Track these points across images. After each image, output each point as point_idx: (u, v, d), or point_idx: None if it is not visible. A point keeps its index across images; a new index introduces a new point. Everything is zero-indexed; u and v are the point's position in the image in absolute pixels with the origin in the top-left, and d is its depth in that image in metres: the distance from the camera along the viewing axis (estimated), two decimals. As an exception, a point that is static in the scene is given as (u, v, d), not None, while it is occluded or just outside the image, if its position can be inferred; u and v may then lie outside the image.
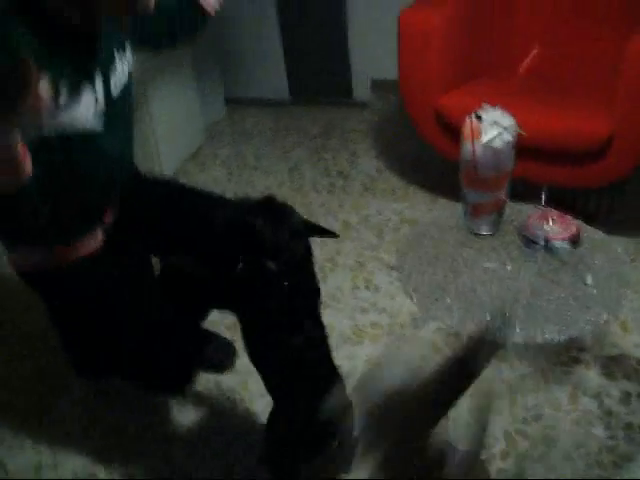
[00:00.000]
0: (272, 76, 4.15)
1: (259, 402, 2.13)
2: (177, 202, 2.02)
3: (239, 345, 2.32)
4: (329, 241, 2.84)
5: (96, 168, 1.73)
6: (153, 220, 1.98)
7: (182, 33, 2.04)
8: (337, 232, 2.85)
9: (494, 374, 1.84)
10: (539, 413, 1.99)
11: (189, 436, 2.07)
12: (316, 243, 2.79)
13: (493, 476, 1.82)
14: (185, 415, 2.13)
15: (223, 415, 2.12)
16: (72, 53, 1.61)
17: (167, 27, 1.99)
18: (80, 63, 1.63)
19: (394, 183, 3.23)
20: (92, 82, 1.64)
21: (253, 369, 2.18)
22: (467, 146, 1.74)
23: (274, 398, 1.84)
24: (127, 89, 1.79)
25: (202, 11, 2.01)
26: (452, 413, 1.94)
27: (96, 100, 1.64)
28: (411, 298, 1.71)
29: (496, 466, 1.84)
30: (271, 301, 1.73)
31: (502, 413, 1.99)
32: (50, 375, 2.34)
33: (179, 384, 1.92)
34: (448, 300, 1.67)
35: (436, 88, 2.75)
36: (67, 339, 2.04)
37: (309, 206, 3.13)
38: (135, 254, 1.97)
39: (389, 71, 3.76)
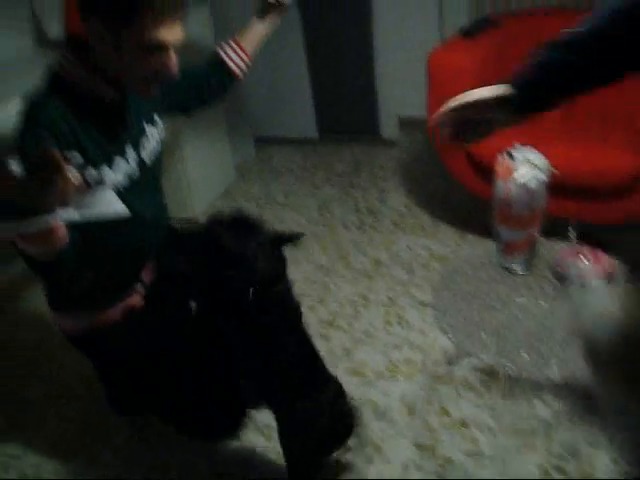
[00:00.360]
0: (300, 115, 4.21)
1: (294, 438, 2.15)
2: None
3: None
4: (360, 277, 2.88)
5: (131, 235, 1.81)
6: (189, 269, 2.03)
7: (211, 97, 2.13)
8: (368, 269, 2.90)
9: (528, 411, 1.85)
10: (575, 449, 1.99)
11: (226, 472, 2.09)
12: (347, 280, 2.85)
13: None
14: (223, 450, 2.15)
15: (256, 451, 2.14)
16: (105, 128, 1.71)
17: (195, 93, 2.08)
18: (112, 136, 1.73)
19: (423, 220, 3.25)
20: (124, 154, 1.74)
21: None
22: (500, 184, 1.76)
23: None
24: (158, 156, 1.89)
25: (230, 74, 2.10)
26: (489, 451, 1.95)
27: (129, 169, 1.76)
28: (446, 334, 1.73)
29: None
30: (241, 316, 1.74)
31: (537, 449, 1.99)
32: (89, 414, 2.37)
33: (232, 428, 1.93)
34: (483, 336, 1.69)
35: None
36: (110, 387, 2.09)
37: (339, 243, 3.17)
38: (175, 304, 2.01)
39: (416, 108, 3.81)
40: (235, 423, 1.91)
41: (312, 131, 4.24)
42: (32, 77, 1.78)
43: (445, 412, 2.17)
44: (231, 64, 2.09)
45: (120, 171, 1.74)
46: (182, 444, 2.18)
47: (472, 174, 2.85)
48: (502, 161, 1.77)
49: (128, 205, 1.71)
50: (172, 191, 3.35)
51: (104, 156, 1.70)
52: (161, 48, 1.59)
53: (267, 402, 1.86)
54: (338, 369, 2.40)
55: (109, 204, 1.27)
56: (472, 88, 2.73)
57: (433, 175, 3.62)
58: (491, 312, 1.77)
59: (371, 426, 2.15)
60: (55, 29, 3.02)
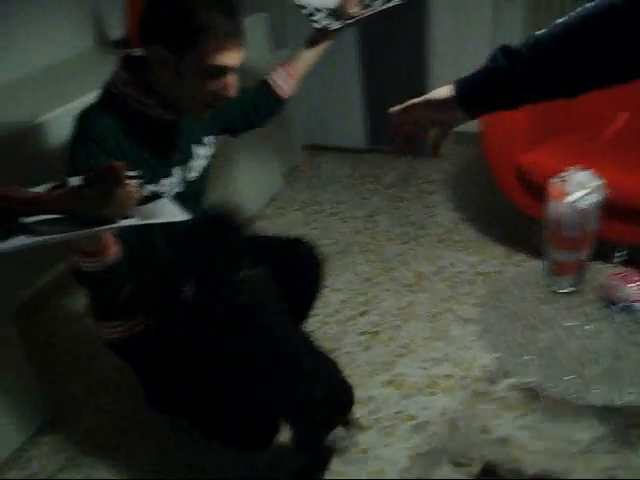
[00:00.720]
0: (350, 124, 4.21)
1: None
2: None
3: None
4: (403, 291, 2.87)
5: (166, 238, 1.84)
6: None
7: (258, 121, 2.21)
8: (411, 283, 2.90)
9: (569, 434, 1.83)
10: (614, 475, 1.96)
11: (258, 478, 2.10)
12: (391, 293, 2.85)
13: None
14: (255, 456, 2.16)
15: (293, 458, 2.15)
16: (154, 149, 1.77)
17: (244, 117, 2.15)
18: (161, 158, 1.79)
19: (469, 236, 3.24)
20: (170, 176, 1.81)
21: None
22: (552, 205, 1.75)
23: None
24: (205, 170, 1.96)
25: (277, 97, 2.18)
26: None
27: (173, 187, 1.83)
28: (489, 352, 1.73)
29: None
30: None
31: (575, 473, 1.97)
32: (125, 410, 2.40)
33: (269, 435, 1.93)
34: (526, 357, 1.67)
35: (519, 145, 2.77)
36: (149, 389, 2.12)
37: (384, 255, 3.17)
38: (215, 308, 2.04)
39: (468, 123, 3.79)
40: (271, 433, 1.91)
41: (361, 141, 4.24)
42: (92, 77, 1.83)
43: (485, 430, 2.15)
44: (278, 90, 2.17)
45: (164, 190, 1.81)
46: (213, 447, 2.19)
47: (521, 192, 2.83)
48: (555, 182, 1.76)
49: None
50: (220, 197, 3.38)
51: (151, 177, 1.76)
52: (222, 72, 1.66)
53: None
54: (377, 381, 2.40)
55: (169, 213, 1.33)
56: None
57: (481, 191, 3.61)
58: (535, 333, 1.75)
59: (409, 440, 2.15)
60: (116, 31, 3.08)
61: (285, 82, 2.19)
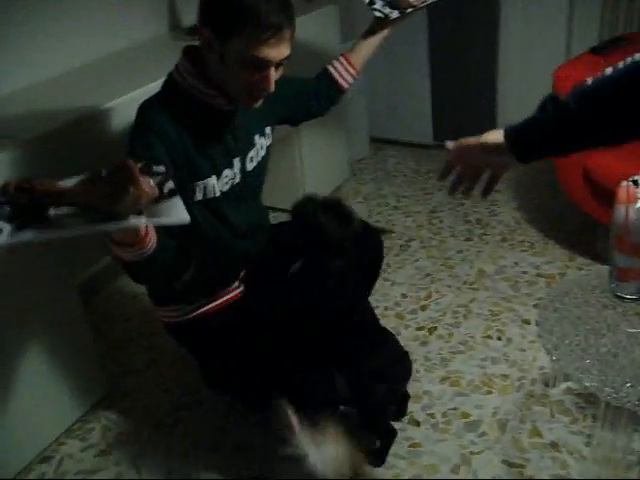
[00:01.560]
0: (417, 119, 4.20)
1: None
2: None
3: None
4: (464, 288, 2.86)
5: (229, 239, 1.93)
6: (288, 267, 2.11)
7: (318, 110, 2.22)
8: (472, 281, 2.89)
9: (625, 443, 1.81)
10: (670, 486, 1.94)
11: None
12: (451, 289, 2.84)
13: None
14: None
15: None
16: (216, 139, 1.80)
17: (305, 107, 2.16)
18: (222, 149, 1.82)
19: (532, 236, 3.21)
20: (232, 166, 1.84)
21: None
22: (620, 210, 1.73)
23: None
24: (263, 160, 1.97)
25: (338, 87, 2.19)
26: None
27: (234, 179, 1.86)
28: (549, 354, 1.72)
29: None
30: (335, 300, 1.84)
31: (630, 482, 1.95)
32: (183, 389, 2.45)
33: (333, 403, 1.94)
34: (587, 361, 1.66)
35: (588, 148, 2.73)
36: (205, 367, 2.16)
37: (446, 251, 3.17)
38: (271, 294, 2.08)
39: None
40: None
41: (428, 137, 4.23)
42: (162, 65, 1.86)
43: (537, 433, 2.15)
44: (339, 79, 2.17)
45: (225, 181, 1.84)
46: (269, 432, 2.23)
47: (588, 194, 2.80)
48: (625, 186, 1.74)
49: (223, 211, 1.86)
50: (286, 184, 3.42)
51: (213, 168, 1.80)
52: (262, 65, 1.64)
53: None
54: (433, 376, 2.41)
55: (176, 212, 1.32)
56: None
57: (546, 191, 3.57)
58: (597, 338, 1.74)
59: (461, 437, 2.15)
60: (190, 18, 3.12)
61: (346, 72, 2.18)
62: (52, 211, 1.27)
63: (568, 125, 1.30)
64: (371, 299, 2.79)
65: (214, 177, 1.80)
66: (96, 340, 2.38)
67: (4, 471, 2.08)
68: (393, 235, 3.30)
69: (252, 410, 2.24)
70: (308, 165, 3.42)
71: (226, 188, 1.84)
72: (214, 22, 1.63)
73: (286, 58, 1.68)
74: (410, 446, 2.14)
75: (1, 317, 1.98)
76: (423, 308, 2.78)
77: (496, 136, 1.47)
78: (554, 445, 2.10)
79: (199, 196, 1.79)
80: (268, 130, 1.99)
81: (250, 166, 1.92)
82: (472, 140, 1.52)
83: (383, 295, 2.87)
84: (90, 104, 2.16)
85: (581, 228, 3.17)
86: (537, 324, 1.84)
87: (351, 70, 2.19)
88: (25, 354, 2.06)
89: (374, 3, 2.17)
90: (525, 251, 3.08)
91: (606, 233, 1.80)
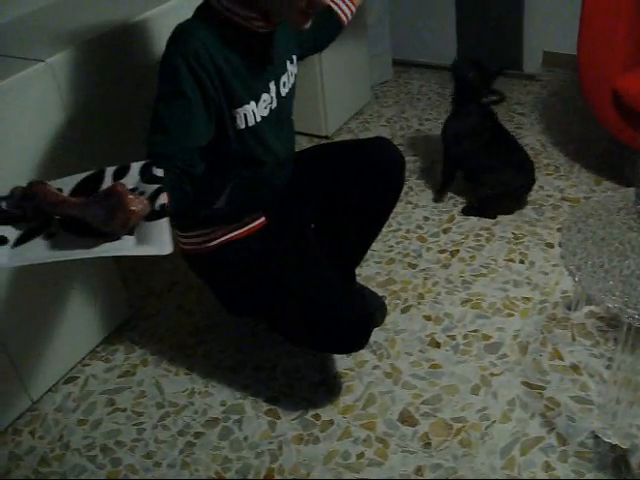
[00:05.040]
0: (442, 42, 4.10)
1: (404, 359, 2.19)
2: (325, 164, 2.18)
3: (389, 302, 2.38)
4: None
5: (266, 167, 1.93)
6: (309, 193, 2.15)
7: (322, 45, 2.23)
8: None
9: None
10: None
11: (332, 383, 2.15)
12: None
13: (635, 468, 1.79)
14: (330, 363, 2.21)
15: (366, 367, 2.18)
16: (252, 63, 1.77)
17: (312, 41, 2.11)
18: (259, 72, 1.80)
19: (558, 160, 3.16)
20: (268, 90, 1.83)
21: (401, 327, 2.27)
22: (649, 130, 1.70)
23: None
24: (293, 87, 1.96)
25: (339, 22, 2.19)
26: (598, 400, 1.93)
27: (272, 104, 1.85)
28: (572, 276, 1.70)
29: (639, 458, 1.81)
30: None
31: (650, 404, 1.96)
32: (205, 311, 2.47)
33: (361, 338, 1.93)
34: (611, 283, 1.65)
35: (617, 68, 2.66)
36: (223, 296, 2.18)
37: (469, 174, 3.12)
38: (295, 225, 2.14)
39: (562, 44, 3.67)
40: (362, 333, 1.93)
41: (452, 58, 4.13)
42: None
43: (558, 355, 2.15)
44: (341, 14, 2.17)
45: (264, 106, 1.82)
46: (290, 350, 2.26)
47: (618, 117, 2.73)
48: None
49: (265, 138, 1.86)
50: (308, 108, 3.39)
51: (251, 93, 1.77)
52: None
53: None
54: (454, 299, 2.41)
55: (159, 239, 1.33)
56: (628, 26, 2.63)
57: (573, 114, 3.50)
58: (621, 259, 1.72)
59: (482, 359, 2.16)
60: None
61: (346, 7, 2.19)
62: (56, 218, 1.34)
63: None
64: (393, 221, 2.81)
65: (253, 103, 1.78)
66: (119, 263, 2.39)
67: (33, 391, 2.12)
68: (415, 159, 3.26)
69: (280, 331, 2.26)
70: (329, 88, 3.37)
71: (265, 113, 1.83)
72: None
73: None
74: (430, 367, 2.15)
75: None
76: (445, 231, 2.76)
77: None
78: (574, 368, 2.10)
79: (241, 124, 1.78)
80: (295, 58, 1.96)
81: (284, 91, 1.90)
82: None
83: (405, 218, 2.85)
84: (122, 16, 2.14)
85: (609, 152, 3.12)
86: (560, 245, 1.82)
87: (351, 6, 2.19)
88: (50, 278, 2.07)
89: None
90: (550, 174, 3.03)
91: (634, 156, 1.76)
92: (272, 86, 1.84)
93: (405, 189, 3.03)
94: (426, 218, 2.85)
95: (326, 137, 3.47)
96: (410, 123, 3.63)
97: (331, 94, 3.40)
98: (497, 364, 2.14)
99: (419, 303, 2.40)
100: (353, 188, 2.08)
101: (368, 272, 2.56)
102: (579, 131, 3.35)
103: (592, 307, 2.27)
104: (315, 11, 1.69)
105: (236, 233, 1.98)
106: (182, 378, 2.22)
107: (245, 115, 1.77)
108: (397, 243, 2.71)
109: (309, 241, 2.18)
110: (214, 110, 1.69)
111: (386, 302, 2.36)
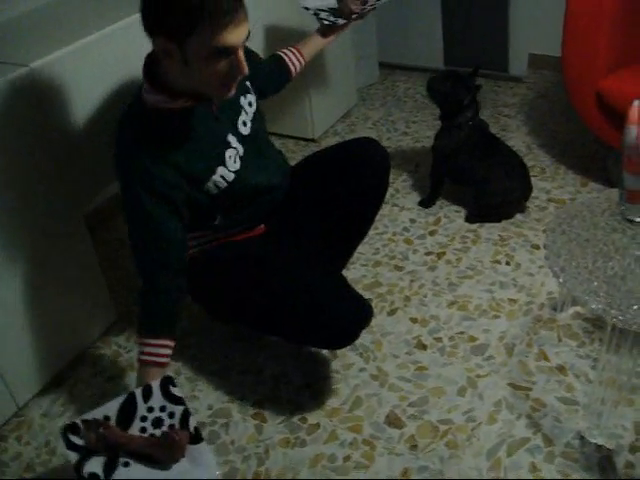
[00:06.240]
0: (428, 44, 4.11)
1: (390, 362, 2.19)
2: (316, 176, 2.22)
3: (375, 305, 2.38)
4: (473, 213, 2.84)
5: (256, 189, 1.97)
6: (304, 200, 2.18)
7: (271, 91, 2.27)
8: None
9: (631, 367, 1.81)
10: (674, 409, 1.95)
11: (318, 386, 2.15)
12: (460, 215, 2.83)
13: (620, 468, 1.80)
14: (317, 366, 2.21)
15: (352, 369, 2.18)
16: (201, 138, 1.79)
17: (258, 87, 2.08)
18: (212, 139, 1.83)
19: (543, 161, 3.17)
20: (229, 145, 1.85)
21: (387, 330, 2.28)
22: (631, 131, 1.70)
23: None
24: (255, 114, 1.97)
25: (289, 74, 2.32)
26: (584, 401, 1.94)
27: (238, 152, 1.88)
28: (557, 277, 1.71)
29: (624, 458, 1.82)
30: None
31: (635, 406, 1.96)
32: (191, 315, 2.46)
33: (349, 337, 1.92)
34: (595, 284, 1.65)
35: (600, 70, 2.67)
36: (211, 303, 2.19)
37: (455, 177, 3.13)
38: (292, 232, 2.19)
39: (548, 46, 3.70)
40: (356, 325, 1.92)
41: (439, 61, 4.15)
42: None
43: (544, 356, 2.15)
44: (291, 65, 2.28)
45: (232, 161, 1.85)
46: (276, 354, 2.27)
47: (600, 118, 2.74)
48: (636, 106, 1.70)
49: (249, 179, 1.91)
50: (295, 110, 3.39)
51: (215, 161, 1.81)
52: (227, 52, 1.59)
53: None
54: (441, 300, 2.41)
55: (206, 461, 1.64)
56: (610, 28, 2.64)
57: (559, 116, 3.52)
58: (605, 260, 1.73)
59: (468, 361, 2.17)
60: None
61: (297, 61, 2.31)
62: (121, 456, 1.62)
63: None
64: (379, 224, 2.81)
65: (220, 168, 1.82)
66: (105, 268, 2.38)
67: (19, 396, 2.11)
68: (402, 161, 3.27)
69: (261, 334, 2.26)
70: (316, 91, 3.37)
71: (237, 166, 1.86)
72: (167, 28, 1.55)
73: (247, 37, 1.63)
74: (416, 369, 2.16)
75: (17, 250, 2.00)
76: (432, 233, 2.77)
77: None
78: (561, 368, 2.10)
79: (215, 190, 1.84)
80: (248, 84, 1.97)
81: (245, 130, 1.91)
82: None
83: (392, 220, 2.86)
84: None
85: (594, 154, 3.13)
86: (545, 246, 1.82)
87: (301, 60, 2.32)
88: (35, 283, 2.07)
89: (318, 14, 2.35)
90: (536, 176, 3.04)
91: (619, 158, 1.77)
92: (231, 138, 1.85)
93: (391, 191, 3.03)
94: (412, 220, 2.86)
95: (313, 140, 3.47)
96: (397, 126, 3.64)
97: (318, 97, 3.40)
98: (483, 365, 2.14)
99: (405, 305, 2.41)
100: (340, 189, 2.11)
101: (355, 275, 2.57)
102: (565, 133, 3.37)
103: (578, 308, 2.28)
104: (237, 81, 1.69)
105: (235, 238, 2.04)
106: (169, 382, 2.22)
107: (215, 182, 1.82)
108: (383, 246, 2.72)
109: (306, 247, 2.18)
110: (183, 205, 1.78)
111: (372, 305, 2.36)
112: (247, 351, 2.29)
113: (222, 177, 1.82)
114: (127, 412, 1.74)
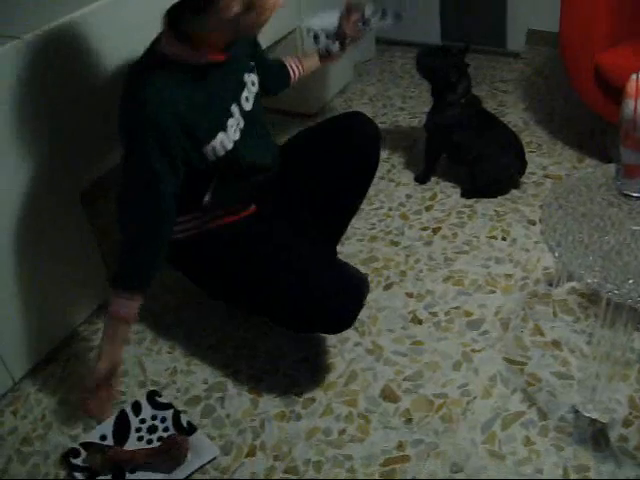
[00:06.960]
0: (425, 19, 4.08)
1: (385, 336, 2.19)
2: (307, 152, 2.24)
3: (371, 280, 2.38)
4: (469, 189, 2.84)
5: (249, 167, 1.98)
6: (295, 178, 2.19)
7: (270, 89, 2.24)
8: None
9: (625, 341, 1.82)
10: (668, 384, 1.96)
11: (314, 360, 2.15)
12: (456, 190, 2.83)
13: (613, 442, 1.81)
14: (312, 340, 2.22)
15: (348, 344, 2.19)
16: (210, 98, 1.78)
17: (269, 81, 2.16)
18: (218, 104, 1.82)
19: (541, 137, 3.16)
20: (232, 115, 1.86)
21: (383, 304, 2.27)
22: (629, 105, 1.69)
23: None
24: (257, 97, 1.98)
25: (289, 80, 2.34)
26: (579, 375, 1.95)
27: (239, 124, 1.88)
28: (552, 251, 1.70)
29: (617, 432, 1.83)
30: None
31: (629, 380, 1.96)
32: (186, 290, 2.45)
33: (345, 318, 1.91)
34: (590, 259, 1.65)
35: (598, 44, 2.66)
36: (206, 284, 2.17)
37: (452, 152, 3.12)
38: (285, 210, 2.18)
39: (546, 22, 3.67)
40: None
41: (435, 37, 4.12)
42: None
43: (539, 331, 2.16)
44: (291, 71, 2.31)
45: (233, 130, 1.85)
46: (271, 329, 2.27)
47: (598, 93, 2.73)
48: (634, 80, 1.69)
49: (245, 155, 1.92)
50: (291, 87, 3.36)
51: (218, 125, 1.80)
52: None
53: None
54: (436, 276, 2.41)
55: (205, 446, 1.88)
56: (608, 2, 2.61)
57: (556, 92, 3.51)
58: (601, 235, 1.72)
59: (463, 335, 2.17)
60: None
61: (297, 70, 2.34)
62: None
63: None
64: (375, 200, 2.81)
65: (221, 134, 1.81)
66: (100, 245, 2.37)
67: (15, 371, 2.11)
68: (398, 137, 3.26)
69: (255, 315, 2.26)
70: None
71: (236, 136, 1.86)
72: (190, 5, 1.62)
73: None
74: (412, 344, 2.16)
75: (15, 227, 1.99)
76: (428, 209, 2.76)
77: None
78: (556, 343, 2.11)
79: (213, 157, 1.82)
80: (252, 65, 1.98)
81: (248, 106, 1.91)
82: None
83: (387, 196, 2.85)
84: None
85: (592, 130, 3.13)
86: (541, 221, 1.82)
87: (301, 70, 2.36)
88: (30, 258, 2.06)
89: (318, 38, 2.36)
90: (533, 152, 3.03)
91: (617, 134, 1.76)
92: (235, 108, 1.86)
93: (387, 167, 3.02)
94: (408, 196, 2.85)
95: (309, 116, 3.46)
96: (393, 101, 3.63)
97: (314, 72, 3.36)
98: (478, 340, 2.15)
99: (401, 280, 2.41)
100: (331, 164, 2.12)
101: (350, 250, 2.56)
102: (562, 109, 3.36)
103: (574, 283, 2.28)
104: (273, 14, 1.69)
105: (228, 218, 2.02)
106: (164, 357, 2.22)
107: (214, 148, 1.81)
108: (379, 221, 2.71)
109: (299, 226, 2.17)
110: (181, 162, 1.75)
111: (368, 279, 2.36)
112: (242, 326, 2.30)
113: (221, 144, 1.81)
114: (122, 428, 1.93)
